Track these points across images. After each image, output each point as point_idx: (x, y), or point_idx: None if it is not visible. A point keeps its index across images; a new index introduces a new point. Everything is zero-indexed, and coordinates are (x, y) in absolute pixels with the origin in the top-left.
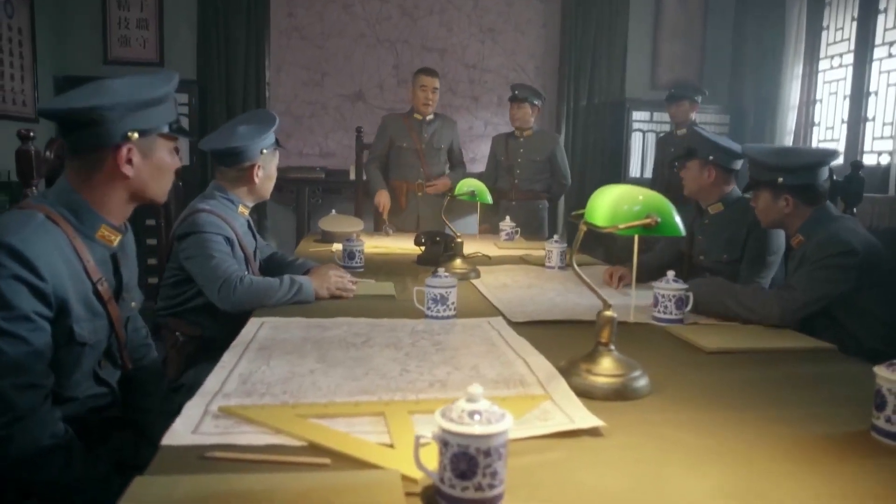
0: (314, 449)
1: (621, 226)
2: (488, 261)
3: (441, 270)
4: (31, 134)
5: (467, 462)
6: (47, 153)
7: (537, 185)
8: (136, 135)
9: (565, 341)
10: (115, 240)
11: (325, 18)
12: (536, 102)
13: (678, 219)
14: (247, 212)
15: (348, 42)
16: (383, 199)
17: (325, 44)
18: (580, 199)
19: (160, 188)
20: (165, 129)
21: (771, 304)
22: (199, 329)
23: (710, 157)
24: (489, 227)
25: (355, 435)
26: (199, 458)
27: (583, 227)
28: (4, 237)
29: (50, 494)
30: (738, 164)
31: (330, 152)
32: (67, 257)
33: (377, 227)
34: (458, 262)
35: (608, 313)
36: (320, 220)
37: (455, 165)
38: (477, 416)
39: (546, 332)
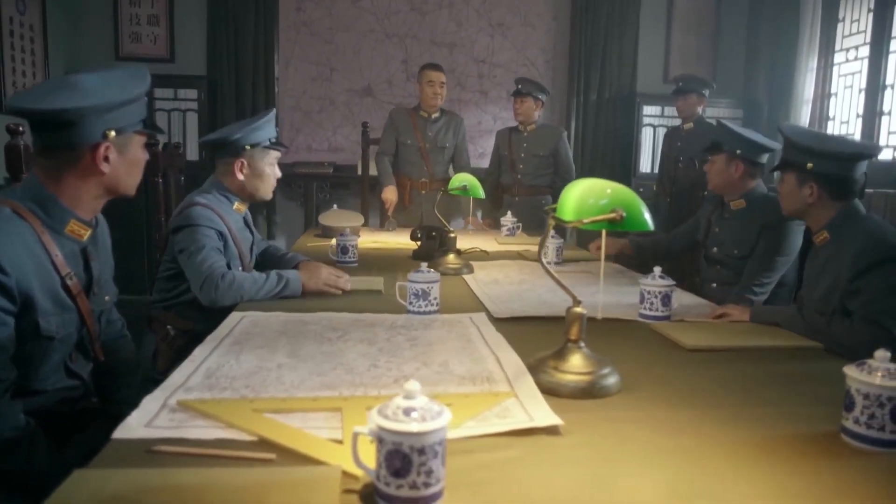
0: (263, 444)
1: (586, 220)
2: (486, 256)
3: (424, 266)
4: (21, 129)
5: (401, 460)
6: None
7: (541, 181)
8: (113, 133)
9: (547, 338)
10: (85, 234)
11: (334, 13)
12: (540, 97)
13: (647, 214)
14: (243, 209)
15: (357, 37)
16: (390, 195)
17: (334, 38)
18: None
19: (133, 182)
20: (140, 126)
21: (865, 341)
22: (191, 323)
23: (738, 151)
24: (492, 222)
25: (308, 430)
26: (146, 452)
27: (551, 222)
28: None
29: (13, 485)
30: (765, 158)
31: (338, 147)
32: (34, 251)
33: (384, 222)
34: (451, 257)
35: (577, 310)
36: (320, 215)
37: (458, 168)
38: (413, 414)
39: (529, 329)
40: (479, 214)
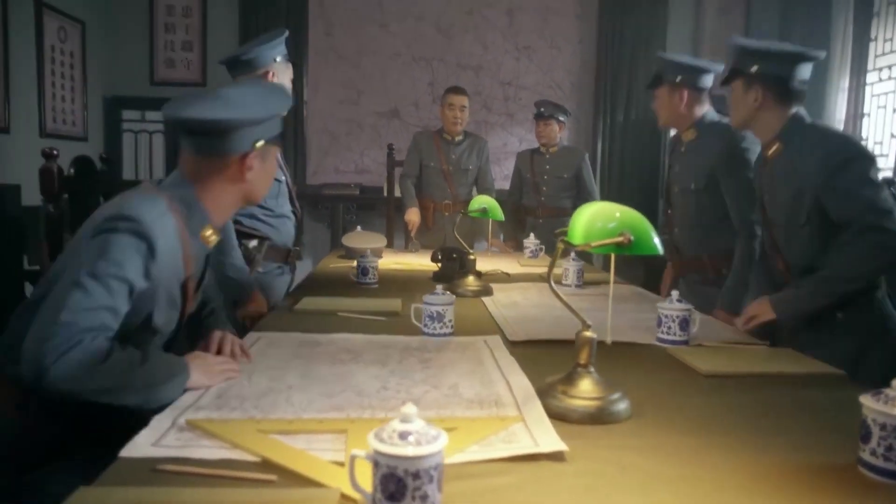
0: (266, 465)
1: (594, 243)
2: (507, 278)
3: (439, 288)
4: (55, 152)
5: (395, 483)
6: (70, 170)
7: (564, 202)
8: (262, 143)
9: (562, 361)
10: (213, 242)
11: (362, 37)
12: (562, 119)
13: (656, 239)
14: None
15: (384, 60)
16: (413, 216)
17: (362, 62)
18: None
19: (265, 191)
20: (278, 139)
21: (870, 255)
22: (260, 232)
23: (679, 78)
24: (515, 244)
25: (312, 452)
26: (151, 471)
27: (560, 245)
28: (138, 214)
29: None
30: (709, 80)
31: (365, 169)
32: (173, 248)
33: (407, 244)
34: (470, 279)
35: (587, 334)
36: (344, 236)
37: (482, 190)
38: (409, 437)
39: (545, 352)
40: (502, 236)
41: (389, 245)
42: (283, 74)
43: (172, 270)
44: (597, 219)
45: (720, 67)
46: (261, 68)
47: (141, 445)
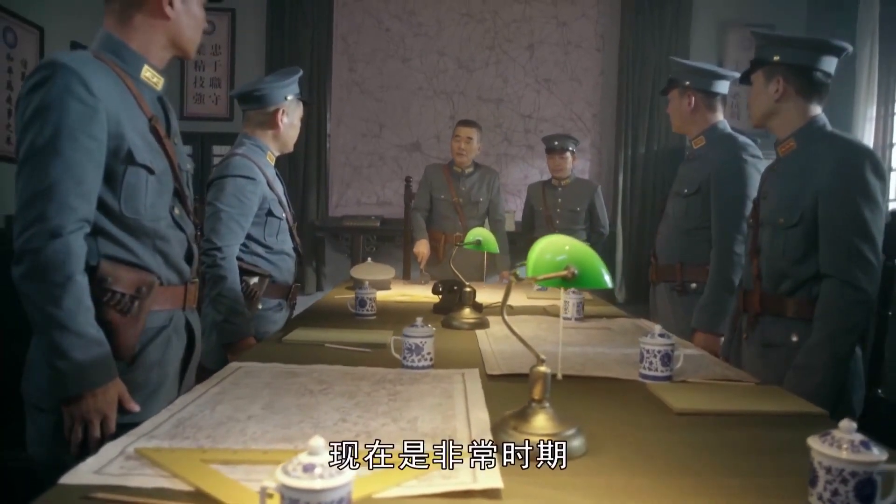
0: (198, 495)
1: (540, 276)
2: (510, 311)
3: (419, 320)
4: None
5: None
6: None
7: (579, 235)
8: None
9: None
10: (159, 83)
11: (385, 72)
12: (573, 149)
13: (606, 275)
14: (273, 160)
15: (406, 94)
16: (422, 248)
17: (384, 96)
18: (639, 247)
19: (193, 37)
20: None
21: (844, 302)
22: (264, 270)
23: (687, 83)
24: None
25: (247, 483)
26: (81, 498)
27: (512, 278)
28: (58, 58)
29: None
30: (722, 86)
31: (387, 201)
32: (121, 89)
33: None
34: (466, 311)
35: (541, 369)
36: (352, 268)
37: (493, 222)
38: (315, 470)
39: (522, 386)
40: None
41: (407, 277)
42: (293, 113)
43: (129, 113)
44: (547, 251)
45: (736, 74)
46: (271, 105)
47: (83, 472)
